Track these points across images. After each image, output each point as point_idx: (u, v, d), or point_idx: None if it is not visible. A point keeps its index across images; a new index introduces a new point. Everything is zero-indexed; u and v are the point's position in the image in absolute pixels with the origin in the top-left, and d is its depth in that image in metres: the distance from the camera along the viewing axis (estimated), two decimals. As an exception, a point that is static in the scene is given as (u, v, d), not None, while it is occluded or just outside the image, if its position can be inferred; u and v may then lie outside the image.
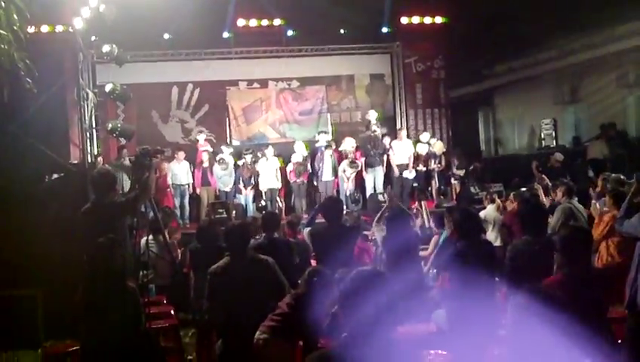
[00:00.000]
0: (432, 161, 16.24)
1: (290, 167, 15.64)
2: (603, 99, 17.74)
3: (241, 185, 15.43)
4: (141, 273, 7.51)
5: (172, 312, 7.97)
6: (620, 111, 16.68)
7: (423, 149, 16.26)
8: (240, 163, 15.66)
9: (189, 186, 15.47)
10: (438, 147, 16.47)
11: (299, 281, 6.20)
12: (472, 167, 16.57)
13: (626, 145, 15.06)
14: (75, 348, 6.19)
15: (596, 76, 18.03)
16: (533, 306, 2.90)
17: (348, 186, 15.49)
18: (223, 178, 15.40)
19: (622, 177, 9.28)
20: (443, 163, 16.48)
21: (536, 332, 2.87)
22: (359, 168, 15.36)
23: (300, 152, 15.73)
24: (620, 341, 5.05)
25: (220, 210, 14.45)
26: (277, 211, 13.97)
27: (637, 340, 5.23)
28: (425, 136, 16.83)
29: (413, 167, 15.77)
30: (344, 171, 15.34)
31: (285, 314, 5.61)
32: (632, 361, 5.08)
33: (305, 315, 5.49)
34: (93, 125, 15.11)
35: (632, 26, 15.56)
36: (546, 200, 10.58)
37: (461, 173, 16.47)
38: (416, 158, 16.07)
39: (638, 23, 15.38)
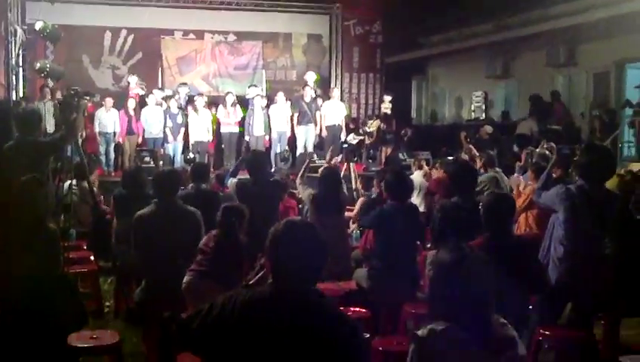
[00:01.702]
0: (367, 137, 16.30)
1: (220, 114, 15.32)
2: (533, 76, 18.09)
3: (168, 131, 14.91)
4: (62, 216, 7.41)
5: (92, 258, 7.86)
6: (549, 89, 17.01)
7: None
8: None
9: (114, 135, 14.98)
10: (375, 126, 16.38)
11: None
12: (402, 132, 16.73)
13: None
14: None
15: (528, 53, 18.36)
16: (454, 265, 2.95)
17: (279, 144, 15.41)
18: (152, 124, 14.90)
19: (547, 153, 9.41)
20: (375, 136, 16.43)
21: (455, 290, 2.93)
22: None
23: (229, 102, 15.30)
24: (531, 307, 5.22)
25: (147, 159, 14.16)
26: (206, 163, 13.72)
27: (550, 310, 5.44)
28: (373, 125, 16.52)
29: (345, 131, 15.82)
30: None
31: (209, 257, 5.61)
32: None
33: (226, 257, 5.54)
34: (20, 64, 14.61)
35: (565, 6, 15.84)
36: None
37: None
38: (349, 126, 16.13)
39: (572, 3, 15.68)
